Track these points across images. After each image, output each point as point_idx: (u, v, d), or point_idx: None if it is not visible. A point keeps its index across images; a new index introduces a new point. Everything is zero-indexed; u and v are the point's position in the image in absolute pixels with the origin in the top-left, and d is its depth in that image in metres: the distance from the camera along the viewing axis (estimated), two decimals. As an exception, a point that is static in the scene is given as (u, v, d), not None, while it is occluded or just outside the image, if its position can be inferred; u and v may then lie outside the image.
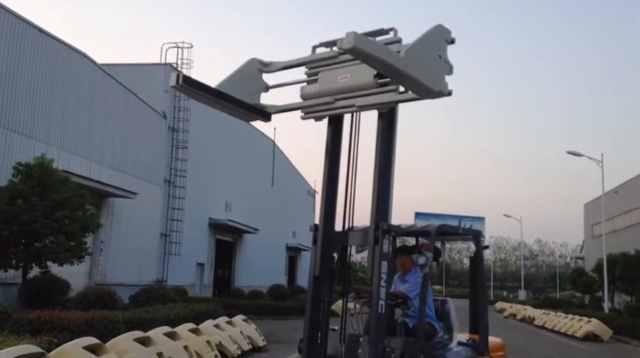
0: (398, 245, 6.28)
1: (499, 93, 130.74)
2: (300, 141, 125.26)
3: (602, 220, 31.84)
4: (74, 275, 16.26)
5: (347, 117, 5.49)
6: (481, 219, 62.10)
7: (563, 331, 24.02)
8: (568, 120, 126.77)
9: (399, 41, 5.00)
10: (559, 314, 27.88)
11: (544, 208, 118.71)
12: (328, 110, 5.32)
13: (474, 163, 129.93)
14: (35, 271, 14.21)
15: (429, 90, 4.54)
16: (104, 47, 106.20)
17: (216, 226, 30.64)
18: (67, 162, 17.85)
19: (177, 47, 27.63)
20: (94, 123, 20.69)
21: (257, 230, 33.71)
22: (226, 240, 33.08)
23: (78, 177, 17.06)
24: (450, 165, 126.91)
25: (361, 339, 5.44)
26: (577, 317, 24.51)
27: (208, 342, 10.77)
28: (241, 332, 12.99)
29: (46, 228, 12.95)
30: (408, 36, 4.80)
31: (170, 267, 26.16)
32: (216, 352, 10.83)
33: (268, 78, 5.75)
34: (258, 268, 35.52)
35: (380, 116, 5.28)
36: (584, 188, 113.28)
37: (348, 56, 5.15)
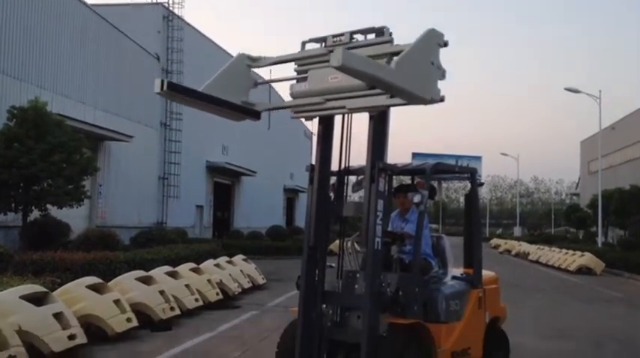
0: (396, 184, 6.35)
1: (497, 31, 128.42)
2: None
3: (599, 156, 31.97)
4: (74, 218, 16.41)
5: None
6: (478, 158, 62.06)
7: (556, 265, 24.54)
8: (567, 57, 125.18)
9: (390, 41, 4.92)
10: (553, 249, 28.39)
11: (541, 146, 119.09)
12: (318, 110, 5.26)
13: (472, 103, 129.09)
14: (35, 214, 14.34)
15: (421, 99, 4.57)
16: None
17: (213, 169, 30.72)
18: (61, 106, 17.67)
19: (169, -14, 26.91)
20: (87, 66, 20.39)
21: (254, 172, 33.81)
22: (224, 183, 33.23)
23: (73, 121, 16.93)
24: (448, 106, 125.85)
25: (358, 275, 5.56)
26: (570, 252, 24.99)
27: (209, 281, 10.99)
28: (241, 271, 13.24)
29: (44, 172, 12.98)
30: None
31: (169, 210, 26.40)
32: (217, 290, 11.07)
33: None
34: (257, 210, 35.83)
35: None
36: (580, 126, 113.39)
37: None
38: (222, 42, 58.78)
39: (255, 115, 5.61)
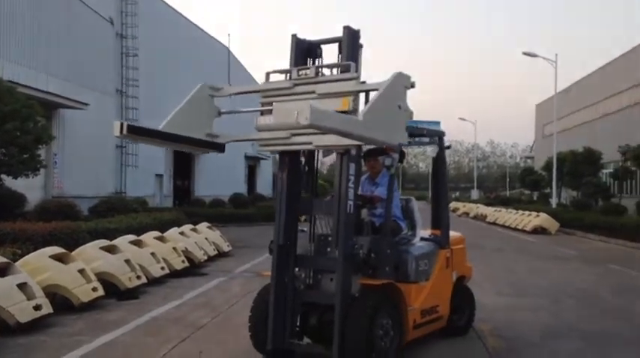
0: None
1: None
2: (255, 48, 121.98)
3: (554, 119, 32.72)
4: (29, 188, 15.94)
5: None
6: (437, 123, 62.68)
7: (513, 226, 25.26)
8: (522, 22, 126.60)
9: (356, 78, 4.92)
10: (510, 210, 29.16)
11: (498, 111, 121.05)
12: (284, 145, 5.22)
13: (430, 68, 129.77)
14: (-12, 185, 13.88)
15: (389, 144, 4.82)
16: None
17: None
18: (11, 73, 16.97)
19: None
20: (39, 31, 19.58)
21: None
22: (184, 151, 32.72)
23: (25, 88, 16.31)
24: (403, 67, 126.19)
25: (330, 238, 5.60)
26: (526, 213, 25.73)
27: (175, 249, 10.89)
28: (206, 238, 13.16)
29: (-3, 141, 12.53)
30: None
31: (128, 179, 25.94)
32: (183, 258, 10.99)
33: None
34: (218, 178, 35.51)
35: None
36: (535, 91, 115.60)
37: (303, 88, 5.13)
38: (186, 11, 57.06)
39: (219, 148, 5.62)
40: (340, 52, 5.36)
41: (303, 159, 5.63)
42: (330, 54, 5.46)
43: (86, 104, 21.16)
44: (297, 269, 5.64)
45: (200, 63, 33.74)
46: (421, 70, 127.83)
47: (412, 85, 4.87)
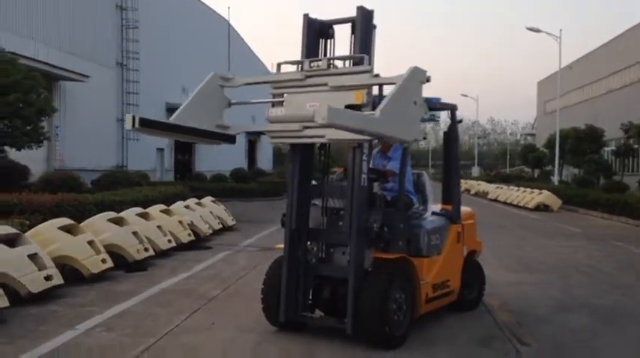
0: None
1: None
2: (257, 21, 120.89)
3: (557, 95, 32.58)
4: (32, 160, 15.88)
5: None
6: (437, 99, 62.33)
7: (515, 203, 25.26)
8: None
9: (369, 71, 4.87)
10: (511, 187, 29.12)
11: (498, 87, 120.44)
12: (296, 138, 5.15)
13: (431, 43, 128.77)
14: (-8, 156, 13.83)
15: (404, 141, 4.90)
16: None
17: (173, 110, 28.86)
18: (12, 44, 16.81)
19: None
20: (38, 2, 19.34)
21: (215, 114, 33.16)
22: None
23: (26, 59, 16.16)
24: (406, 44, 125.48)
25: (342, 212, 5.58)
26: (529, 190, 25.70)
27: (180, 222, 10.88)
28: (211, 212, 13.15)
29: (0, 112, 12.42)
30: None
31: (130, 152, 25.87)
32: (189, 231, 10.98)
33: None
34: (219, 153, 35.30)
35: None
36: (536, 67, 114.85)
37: (315, 80, 5.05)
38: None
39: (231, 139, 5.55)
40: (353, 32, 5.28)
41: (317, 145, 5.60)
42: (342, 35, 5.37)
43: (87, 76, 21.01)
44: (309, 243, 5.64)
45: (200, 36, 33.45)
46: (421, 46, 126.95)
47: (428, 79, 4.82)
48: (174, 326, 5.74)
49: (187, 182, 24.95)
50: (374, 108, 4.91)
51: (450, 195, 6.74)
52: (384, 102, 4.33)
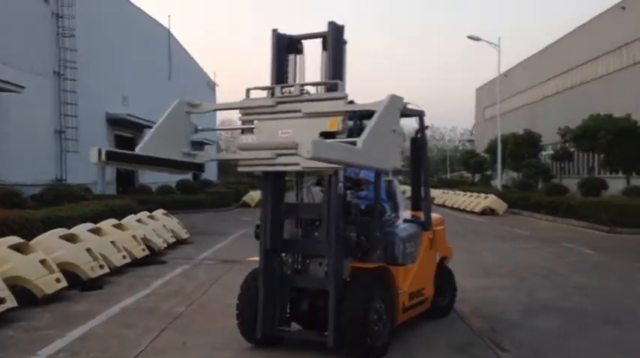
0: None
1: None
2: (197, 28, 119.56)
3: (498, 101, 33.52)
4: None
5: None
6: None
7: (462, 208, 25.74)
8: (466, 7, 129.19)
9: (344, 97, 4.78)
10: (457, 192, 29.69)
11: (437, 95, 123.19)
12: (269, 166, 4.97)
13: (371, 51, 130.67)
14: None
15: (385, 170, 4.97)
16: None
17: (114, 121, 29.10)
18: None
19: None
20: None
21: (157, 124, 32.38)
22: (126, 136, 31.62)
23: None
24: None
25: (317, 222, 5.43)
26: (475, 194, 26.25)
27: (134, 237, 10.44)
28: (164, 225, 12.72)
29: None
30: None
31: (69, 165, 24.80)
32: (143, 246, 10.55)
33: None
34: (162, 163, 34.58)
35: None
36: (473, 76, 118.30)
37: (287, 106, 4.91)
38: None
39: (199, 168, 5.36)
40: (324, 48, 5.18)
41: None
42: (312, 50, 5.28)
43: (22, 87, 20.00)
44: (284, 254, 5.47)
45: (141, 45, 32.67)
46: (361, 54, 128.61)
47: (404, 106, 4.81)
48: (144, 347, 5.43)
49: (132, 195, 24.17)
50: (349, 134, 4.84)
51: (420, 202, 6.70)
52: (365, 132, 4.21)
